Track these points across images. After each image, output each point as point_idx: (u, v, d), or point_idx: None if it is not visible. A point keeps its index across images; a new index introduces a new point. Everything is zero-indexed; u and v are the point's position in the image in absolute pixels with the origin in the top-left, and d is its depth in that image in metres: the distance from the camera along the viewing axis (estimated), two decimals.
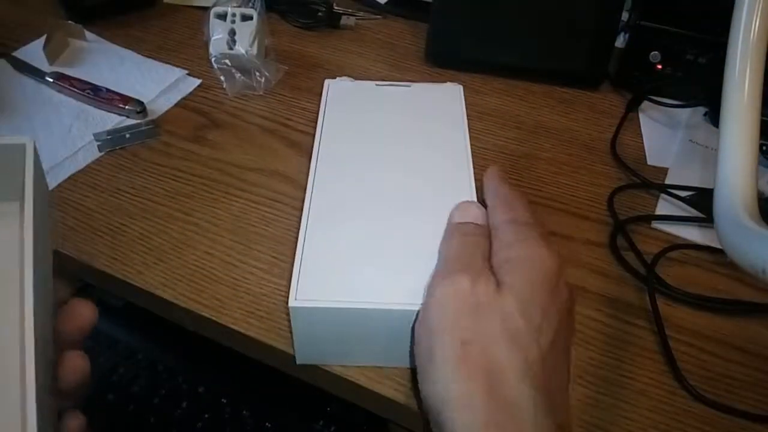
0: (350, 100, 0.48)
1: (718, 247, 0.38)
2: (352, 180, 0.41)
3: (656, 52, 0.60)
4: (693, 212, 0.50)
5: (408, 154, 0.43)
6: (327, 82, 0.49)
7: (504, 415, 0.29)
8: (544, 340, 0.31)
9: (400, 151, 0.43)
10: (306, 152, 0.52)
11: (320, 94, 0.49)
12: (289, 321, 0.37)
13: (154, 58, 0.63)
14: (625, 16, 0.62)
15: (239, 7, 0.58)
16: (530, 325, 0.31)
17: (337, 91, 0.48)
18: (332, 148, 0.44)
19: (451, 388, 0.30)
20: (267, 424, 0.54)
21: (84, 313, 0.32)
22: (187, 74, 0.62)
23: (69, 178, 0.51)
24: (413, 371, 0.36)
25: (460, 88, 0.50)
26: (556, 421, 0.30)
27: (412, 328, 0.35)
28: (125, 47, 0.65)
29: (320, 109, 0.47)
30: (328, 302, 0.35)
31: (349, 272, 0.36)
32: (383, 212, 0.39)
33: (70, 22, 0.66)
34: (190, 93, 0.60)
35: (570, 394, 0.33)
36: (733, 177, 0.34)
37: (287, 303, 0.35)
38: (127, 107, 0.57)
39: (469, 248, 0.35)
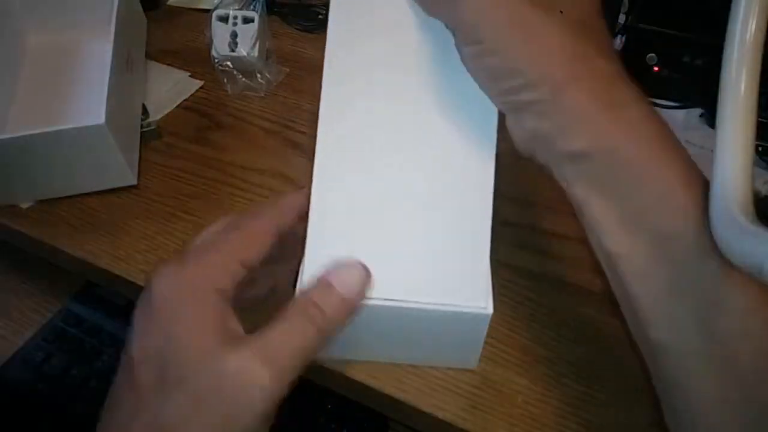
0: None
1: None
2: (358, 176, 0.38)
3: (653, 54, 0.61)
4: None
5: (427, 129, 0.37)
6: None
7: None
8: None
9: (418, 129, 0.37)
10: (307, 152, 0.52)
11: (320, 96, 0.49)
12: None
13: (157, 60, 0.64)
14: (621, 18, 0.62)
15: (241, 9, 0.58)
16: None
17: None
18: (336, 141, 0.38)
19: None
20: None
21: None
22: (189, 76, 0.62)
23: None
24: None
25: None
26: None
27: None
28: None
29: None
30: None
31: None
32: (388, 208, 0.38)
33: None
34: (192, 94, 0.61)
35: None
36: (729, 178, 0.35)
37: None
38: None
39: None
